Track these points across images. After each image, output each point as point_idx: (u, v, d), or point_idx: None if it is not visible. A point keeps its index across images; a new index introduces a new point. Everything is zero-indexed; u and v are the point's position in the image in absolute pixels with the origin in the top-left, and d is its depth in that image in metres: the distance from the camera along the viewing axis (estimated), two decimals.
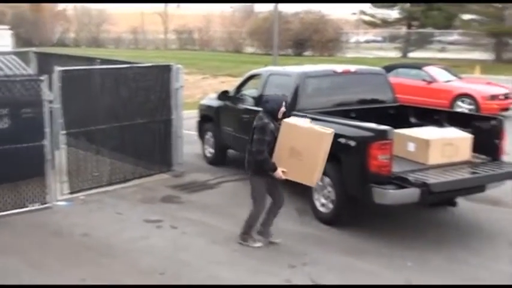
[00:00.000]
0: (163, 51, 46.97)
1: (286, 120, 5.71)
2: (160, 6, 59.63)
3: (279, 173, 5.60)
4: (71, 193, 7.55)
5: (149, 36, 56.71)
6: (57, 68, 7.26)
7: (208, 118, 9.68)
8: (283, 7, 40.89)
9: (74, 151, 7.73)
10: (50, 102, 7.14)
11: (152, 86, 8.43)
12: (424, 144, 6.33)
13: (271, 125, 5.63)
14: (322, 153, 5.47)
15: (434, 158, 6.28)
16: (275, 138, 5.62)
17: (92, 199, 7.55)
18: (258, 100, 8.21)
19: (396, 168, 5.93)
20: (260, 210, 5.91)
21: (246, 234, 5.98)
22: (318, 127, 5.58)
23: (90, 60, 10.50)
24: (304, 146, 5.48)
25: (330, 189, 6.48)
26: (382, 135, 5.80)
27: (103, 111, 7.94)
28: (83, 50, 46.70)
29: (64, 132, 7.41)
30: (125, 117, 8.13)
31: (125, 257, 5.75)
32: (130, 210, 7.16)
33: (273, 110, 5.73)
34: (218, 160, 9.46)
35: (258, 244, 5.95)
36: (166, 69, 8.55)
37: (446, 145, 6.35)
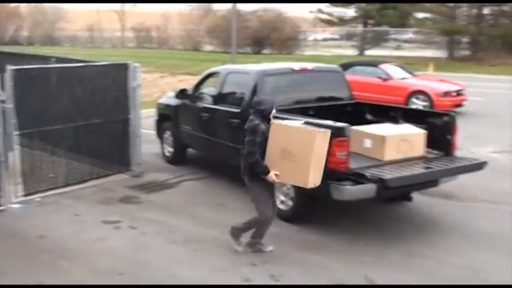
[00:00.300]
0: (121, 50, 46.33)
1: (276, 121, 5.57)
2: (116, 3, 58.78)
3: (272, 176, 5.35)
4: (26, 195, 7.38)
5: (106, 34, 55.79)
6: (9, 67, 7.07)
7: (166, 117, 9.61)
8: (241, 5, 40.89)
9: (28, 152, 7.56)
10: (2, 102, 6.96)
11: (109, 85, 8.32)
12: (380, 140, 6.46)
13: (262, 126, 5.42)
14: (315, 153, 5.23)
15: (390, 154, 6.42)
16: (266, 140, 5.43)
17: (48, 201, 7.40)
18: (217, 98, 8.22)
19: (353, 165, 6.03)
20: (267, 215, 5.59)
21: (254, 240, 5.75)
22: (310, 127, 5.45)
23: (44, 58, 10.29)
24: (296, 146, 5.28)
25: (289, 186, 6.54)
26: (339, 132, 5.88)
27: (58, 111, 7.79)
28: (37, 48, 45.50)
29: (17, 132, 7.24)
30: (81, 117, 8.00)
31: (82, 258, 5.66)
32: (88, 212, 7.06)
33: (264, 110, 5.52)
34: (177, 159, 9.41)
35: (270, 248, 5.76)
36: (123, 68, 8.45)
37: (402, 141, 6.49)
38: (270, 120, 5.56)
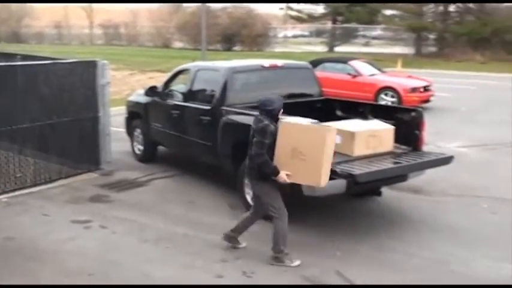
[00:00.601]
0: (89, 47, 45.67)
1: (285, 120, 5.45)
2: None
3: (283, 176, 5.18)
4: None
5: (74, 31, 54.90)
6: None
7: (136, 115, 9.53)
8: (210, 1, 40.73)
9: None
10: None
11: (77, 83, 8.20)
12: (349, 136, 6.51)
13: (272, 127, 5.23)
14: (326, 151, 5.16)
15: (360, 149, 6.48)
16: (275, 141, 5.26)
17: (16, 201, 7.26)
18: (187, 95, 8.18)
19: None
20: (282, 217, 5.37)
21: (279, 253, 5.42)
22: (319, 125, 5.45)
23: (9, 56, 10.11)
24: (306, 145, 5.16)
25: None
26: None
27: (25, 109, 7.65)
28: (3, 46, 44.50)
29: None
30: (48, 116, 7.88)
31: (52, 259, 5.58)
32: (57, 211, 6.95)
33: (273, 110, 5.33)
34: (148, 157, 9.35)
35: (297, 262, 5.41)
36: (91, 65, 8.33)
37: (371, 137, 6.56)
38: (278, 119, 5.38)
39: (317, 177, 5.20)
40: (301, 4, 40.80)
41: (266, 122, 5.25)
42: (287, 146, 5.23)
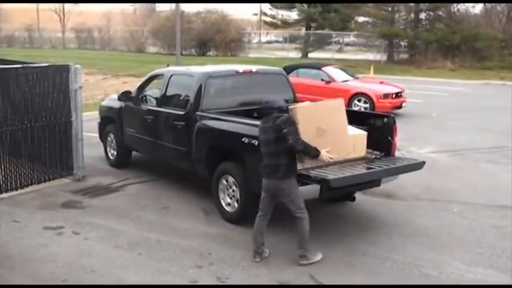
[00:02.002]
0: (61, 51, 45.12)
1: (298, 105, 5.89)
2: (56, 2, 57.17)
3: (325, 154, 5.44)
4: None
5: (45, 35, 54.11)
6: None
7: (109, 119, 9.44)
8: (185, 6, 40.70)
9: None
10: None
11: (49, 87, 8.08)
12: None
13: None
14: (344, 121, 5.84)
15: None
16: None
17: None
18: (161, 100, 8.15)
19: (298, 166, 6.12)
20: (307, 216, 5.50)
21: (306, 252, 5.54)
22: (328, 100, 6.16)
23: None
24: (327, 121, 5.70)
25: (234, 188, 6.58)
26: None
27: None
28: None
29: None
30: (19, 120, 7.74)
31: (23, 266, 5.49)
32: (28, 218, 6.84)
33: (283, 106, 5.53)
34: (121, 162, 9.27)
35: (320, 256, 5.63)
36: (63, 70, 8.23)
37: None
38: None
39: (345, 148, 5.91)
40: (274, 10, 41.01)
41: (283, 114, 5.43)
42: (311, 127, 5.63)
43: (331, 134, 5.76)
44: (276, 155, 5.39)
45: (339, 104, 6.01)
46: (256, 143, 6.14)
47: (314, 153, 5.42)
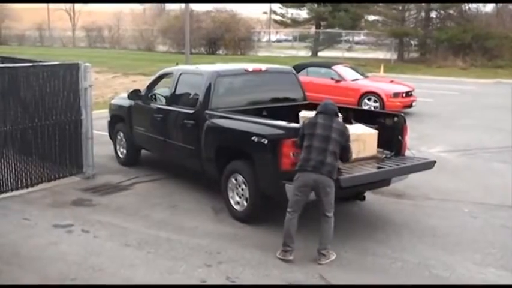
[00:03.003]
0: (72, 49, 45.36)
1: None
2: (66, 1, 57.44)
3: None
4: None
5: (56, 34, 54.40)
6: None
7: (119, 118, 9.46)
8: (195, 5, 40.75)
9: None
10: None
11: (59, 86, 8.11)
12: None
13: None
14: None
15: None
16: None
17: None
18: (170, 99, 8.15)
19: None
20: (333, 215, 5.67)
21: (327, 251, 5.60)
22: None
23: None
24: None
25: (244, 187, 6.56)
26: (293, 133, 5.93)
27: (6, 111, 7.55)
28: None
29: None
30: (30, 119, 7.78)
31: (33, 264, 5.50)
32: (39, 216, 6.86)
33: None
34: (131, 161, 9.28)
35: (334, 255, 5.64)
36: (74, 68, 8.25)
37: (355, 141, 6.58)
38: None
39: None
40: (284, 8, 40.96)
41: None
42: None
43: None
44: (329, 153, 5.48)
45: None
46: (265, 141, 6.13)
47: (349, 159, 5.92)
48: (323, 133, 5.52)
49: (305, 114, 6.95)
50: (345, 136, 5.63)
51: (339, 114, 6.02)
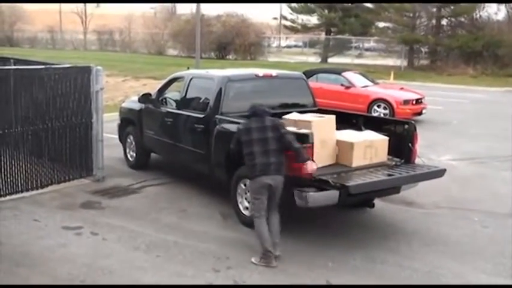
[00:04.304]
0: (83, 52, 45.62)
1: (313, 119, 6.53)
2: (78, 4, 57.85)
3: (310, 165, 5.76)
4: None
5: (67, 36, 54.75)
6: None
7: (129, 121, 9.50)
8: (205, 10, 40.89)
9: None
10: None
11: (71, 88, 8.15)
12: (348, 147, 6.53)
13: None
14: (334, 134, 6.67)
15: (358, 160, 6.50)
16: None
17: (6, 206, 7.19)
18: (181, 103, 8.17)
19: (323, 170, 6.12)
20: None
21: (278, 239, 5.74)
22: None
23: (3, 60, 10.05)
24: (327, 134, 6.54)
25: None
26: (303, 139, 5.93)
27: (18, 113, 7.61)
28: None
29: None
30: (41, 120, 7.82)
31: (42, 265, 5.53)
32: (48, 217, 6.89)
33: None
34: (140, 164, 9.31)
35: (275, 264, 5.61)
36: (85, 71, 8.30)
37: (367, 147, 6.59)
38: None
39: (332, 157, 6.59)
40: (295, 14, 41.02)
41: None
42: (318, 139, 6.14)
43: (327, 145, 6.49)
44: (271, 152, 5.67)
45: (333, 119, 6.77)
46: None
47: (305, 156, 5.73)
48: (260, 136, 5.71)
49: (290, 117, 6.94)
50: (279, 128, 5.77)
51: (270, 111, 6.03)
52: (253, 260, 5.63)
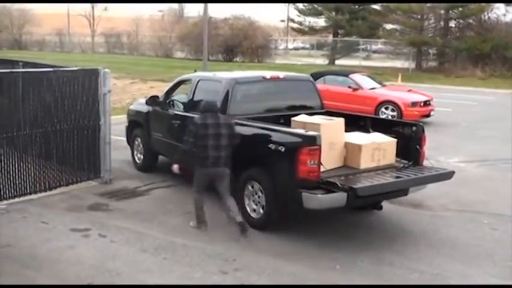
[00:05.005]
0: (91, 55, 45.79)
1: (324, 122, 6.67)
2: (86, 7, 58.14)
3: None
4: None
5: (75, 39, 55.01)
6: None
7: (137, 124, 9.52)
8: (212, 12, 40.96)
9: None
10: None
11: (79, 91, 8.19)
12: (356, 149, 6.52)
13: None
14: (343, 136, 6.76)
15: (366, 162, 6.49)
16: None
17: (15, 208, 7.23)
18: (188, 105, 8.18)
19: (331, 173, 6.11)
20: None
21: (239, 216, 6.35)
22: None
23: (11, 63, 10.11)
24: (335, 136, 6.63)
25: (260, 194, 6.55)
26: (310, 141, 5.92)
27: (26, 116, 7.64)
28: (4, 52, 44.62)
29: None
30: (49, 123, 7.86)
31: (50, 267, 5.55)
32: (57, 219, 6.92)
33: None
34: (148, 166, 9.32)
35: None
36: (93, 74, 8.33)
37: (375, 149, 6.57)
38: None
39: (341, 159, 6.66)
40: (302, 16, 41.00)
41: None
42: (326, 141, 6.18)
43: (336, 147, 6.55)
44: (223, 147, 6.31)
45: (341, 122, 6.89)
46: (282, 149, 6.13)
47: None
48: (215, 132, 6.30)
49: (298, 119, 7.04)
50: (232, 127, 6.45)
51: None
52: (191, 223, 6.71)
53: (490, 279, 5.47)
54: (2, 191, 7.33)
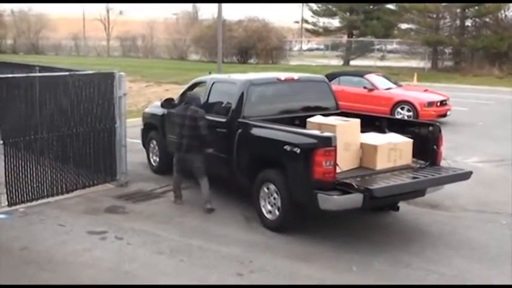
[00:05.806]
0: (106, 59, 46.15)
1: (339, 123, 6.70)
2: (102, 11, 58.66)
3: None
4: (10, 205, 7.28)
5: (91, 43, 55.53)
6: None
7: (152, 126, 9.56)
8: (226, 15, 41.05)
9: (12, 161, 7.44)
10: None
11: (95, 94, 8.24)
12: (372, 149, 6.48)
13: None
14: (359, 137, 6.75)
15: (382, 163, 6.44)
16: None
17: (33, 211, 7.30)
18: (203, 107, 8.17)
19: (347, 174, 6.08)
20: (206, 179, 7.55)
21: (207, 202, 7.39)
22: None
23: (28, 67, 10.20)
24: (351, 137, 6.65)
25: (276, 196, 6.53)
26: (326, 142, 5.89)
27: (43, 119, 7.72)
28: (22, 57, 45.20)
29: (1, 142, 7.14)
30: (66, 126, 7.93)
31: (66, 270, 5.58)
32: (73, 222, 6.96)
33: (200, 103, 7.59)
34: (163, 169, 9.33)
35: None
36: (109, 77, 8.39)
37: (391, 150, 6.52)
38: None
39: (357, 159, 6.66)
40: (316, 17, 40.93)
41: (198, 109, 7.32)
42: (341, 142, 6.17)
43: (351, 148, 6.55)
44: (190, 137, 7.26)
45: (357, 123, 6.86)
46: (298, 150, 6.11)
47: (210, 145, 7.35)
48: (179, 121, 7.39)
49: (314, 120, 7.03)
50: (195, 120, 7.23)
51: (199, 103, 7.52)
52: (172, 198, 7.78)
53: (509, 280, 5.38)
54: (20, 195, 7.41)
